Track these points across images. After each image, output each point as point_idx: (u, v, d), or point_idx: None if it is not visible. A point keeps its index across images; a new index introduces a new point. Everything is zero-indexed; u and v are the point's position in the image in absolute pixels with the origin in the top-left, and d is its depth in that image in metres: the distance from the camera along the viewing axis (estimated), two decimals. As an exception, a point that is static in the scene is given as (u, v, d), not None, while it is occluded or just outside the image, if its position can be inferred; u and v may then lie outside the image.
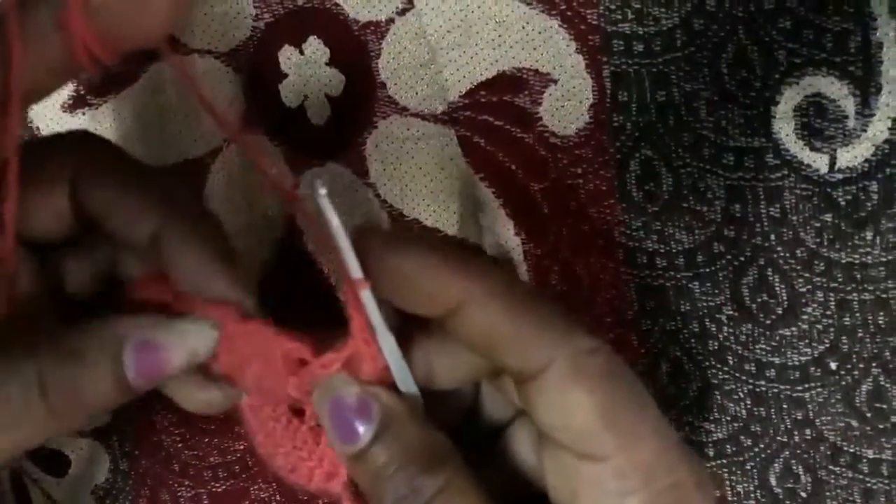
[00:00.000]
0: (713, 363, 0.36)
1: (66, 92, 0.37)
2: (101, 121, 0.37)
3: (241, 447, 0.38)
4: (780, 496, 0.36)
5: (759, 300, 0.35)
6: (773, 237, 0.35)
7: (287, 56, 0.36)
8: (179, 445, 0.38)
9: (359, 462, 0.27)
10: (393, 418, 0.27)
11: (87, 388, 0.26)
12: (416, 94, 0.36)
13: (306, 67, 0.36)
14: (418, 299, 0.27)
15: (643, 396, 0.26)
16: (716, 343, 0.36)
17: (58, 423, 0.27)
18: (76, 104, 0.37)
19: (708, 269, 0.35)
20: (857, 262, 0.35)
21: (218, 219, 0.30)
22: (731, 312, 0.35)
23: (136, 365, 0.27)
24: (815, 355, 0.35)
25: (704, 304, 0.36)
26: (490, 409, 0.30)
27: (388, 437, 0.26)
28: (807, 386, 0.35)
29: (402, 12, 0.36)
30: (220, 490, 0.38)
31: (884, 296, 0.35)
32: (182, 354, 0.27)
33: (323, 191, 0.26)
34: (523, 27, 0.35)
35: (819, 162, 0.35)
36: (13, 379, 0.26)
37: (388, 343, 0.27)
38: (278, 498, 0.38)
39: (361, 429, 0.26)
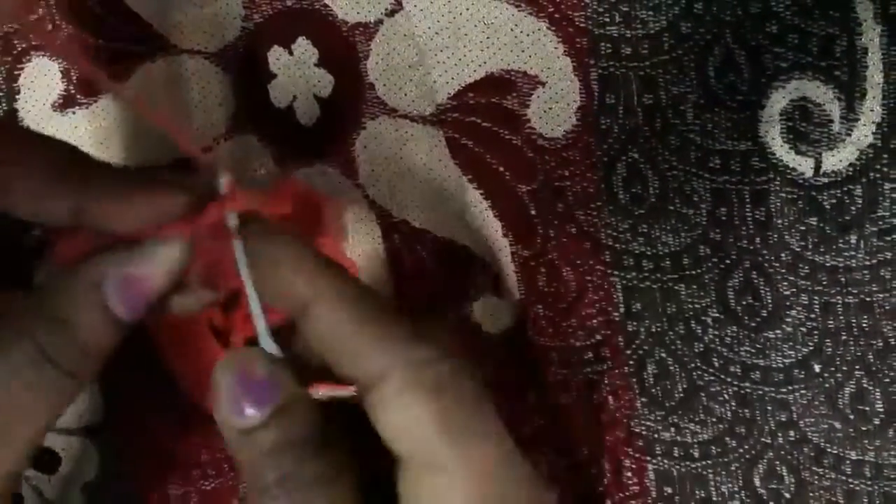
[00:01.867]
0: (699, 365, 0.36)
1: (57, 91, 0.37)
2: (92, 120, 0.37)
3: (230, 445, 0.38)
4: (764, 497, 0.36)
5: (745, 303, 0.35)
6: (758, 240, 0.35)
7: (276, 57, 0.36)
8: (169, 444, 0.38)
9: (245, 438, 0.27)
10: (295, 408, 0.27)
11: (88, 341, 0.27)
12: (405, 95, 0.36)
13: (295, 68, 0.36)
14: (272, 292, 0.27)
15: (480, 407, 0.27)
16: (701, 345, 0.36)
17: (76, 381, 0.28)
18: (66, 103, 0.37)
19: (694, 272, 0.36)
20: (841, 265, 0.35)
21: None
22: (716, 315, 0.36)
23: (122, 301, 0.28)
24: (800, 358, 0.35)
25: (690, 306, 0.36)
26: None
27: (284, 419, 0.26)
28: (791, 388, 0.36)
29: (391, 13, 0.36)
30: (208, 488, 0.38)
31: (867, 299, 0.35)
32: (160, 276, 0.28)
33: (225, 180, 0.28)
34: (511, 29, 0.35)
35: (804, 166, 0.35)
36: (18, 359, 0.27)
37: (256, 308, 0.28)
38: (266, 496, 0.38)
39: (255, 409, 0.26)
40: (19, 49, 0.37)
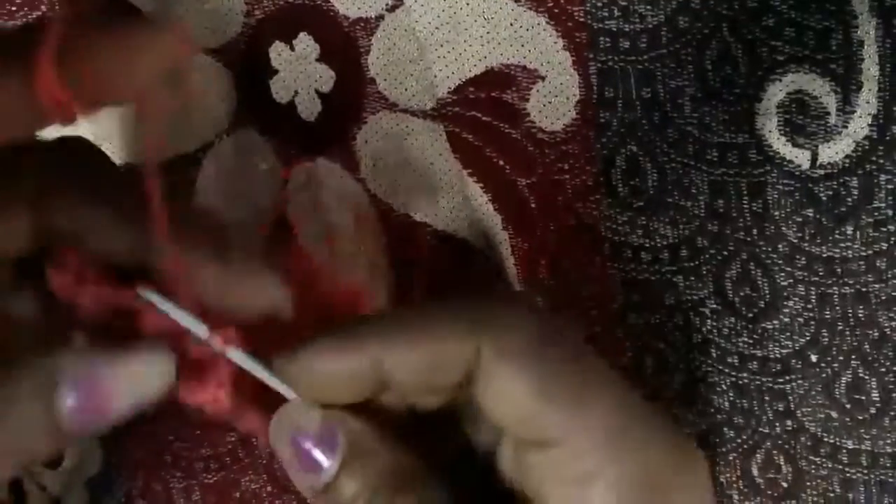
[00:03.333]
0: (697, 356, 0.36)
1: None
2: (93, 118, 0.37)
3: (232, 439, 0.38)
4: (762, 486, 0.36)
5: (742, 294, 0.36)
6: (755, 232, 0.36)
7: (278, 52, 0.37)
8: (171, 437, 0.38)
9: (326, 494, 0.25)
10: (360, 444, 0.25)
11: (21, 435, 0.22)
12: (406, 89, 0.36)
13: (296, 63, 0.37)
14: (340, 394, 0.25)
15: (588, 365, 0.24)
16: (699, 336, 0.36)
17: None
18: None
19: (692, 264, 0.36)
20: (837, 256, 0.35)
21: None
22: (714, 306, 0.36)
23: (75, 413, 0.22)
24: (797, 348, 0.36)
25: (688, 297, 0.36)
26: (477, 436, 0.28)
27: (356, 465, 0.24)
28: (788, 378, 0.36)
29: (392, 9, 0.36)
30: (211, 481, 0.38)
31: (863, 290, 0.35)
32: (130, 396, 0.23)
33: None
34: (511, 24, 0.36)
35: (801, 158, 0.35)
36: None
37: None
38: (269, 489, 0.38)
39: (326, 461, 0.24)
40: (21, 45, 0.37)
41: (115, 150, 0.37)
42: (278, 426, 0.25)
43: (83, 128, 0.36)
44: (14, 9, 0.37)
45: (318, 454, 0.24)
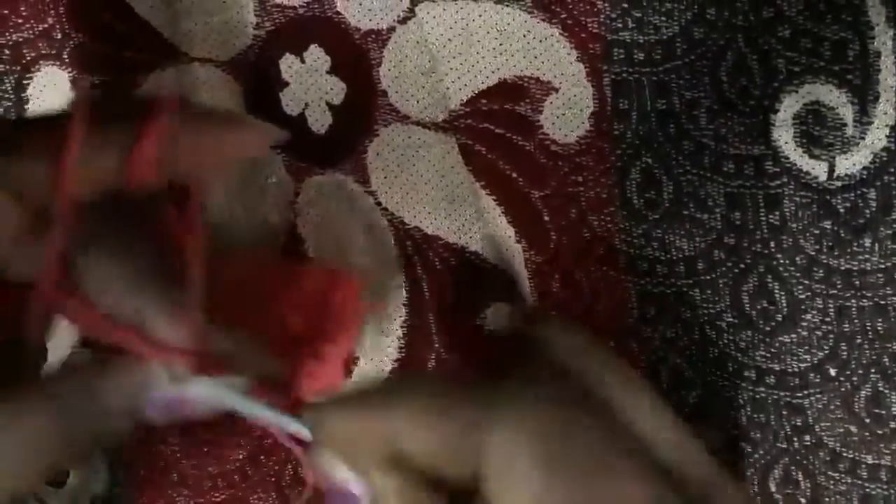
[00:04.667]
0: (713, 370, 0.36)
1: (66, 100, 0.36)
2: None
3: (240, 456, 0.38)
4: (780, 502, 0.36)
5: (759, 307, 0.35)
6: (772, 244, 0.35)
7: (288, 64, 0.36)
8: (178, 455, 0.38)
9: None
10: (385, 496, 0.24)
11: (106, 430, 0.24)
12: (418, 102, 0.36)
13: (307, 76, 0.36)
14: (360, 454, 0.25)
15: (607, 459, 0.22)
16: (716, 350, 0.36)
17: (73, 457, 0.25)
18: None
19: (708, 277, 0.36)
20: (855, 268, 0.35)
21: None
22: (731, 319, 0.36)
23: (160, 414, 0.25)
24: (815, 362, 0.35)
25: (705, 311, 0.36)
26: None
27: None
28: (806, 392, 0.35)
29: (404, 21, 0.36)
30: (218, 499, 0.38)
31: (882, 302, 0.35)
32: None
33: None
34: (524, 35, 0.35)
35: (818, 169, 0.35)
36: (33, 426, 0.23)
37: None
38: (278, 507, 0.38)
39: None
40: (29, 58, 0.37)
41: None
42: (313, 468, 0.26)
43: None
44: (20, 21, 0.36)
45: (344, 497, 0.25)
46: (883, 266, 0.35)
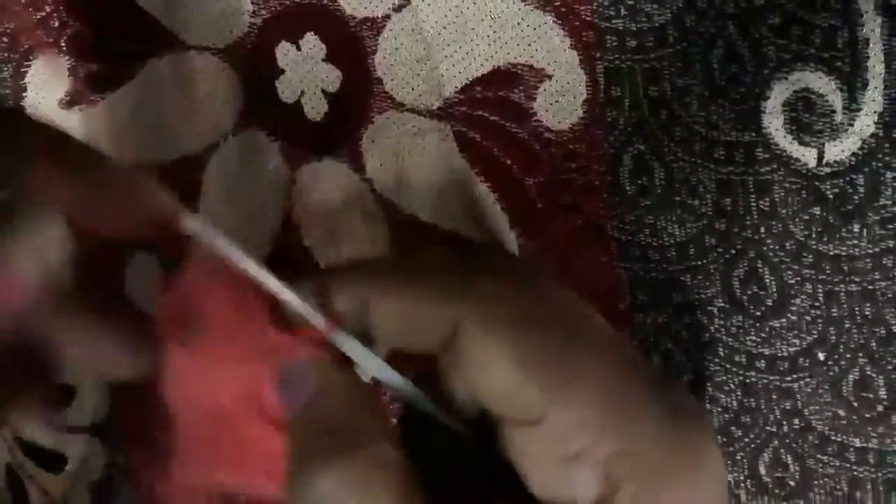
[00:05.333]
0: (704, 355, 0.36)
1: (64, 88, 0.37)
2: (98, 118, 0.37)
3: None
4: (769, 485, 0.36)
5: (750, 292, 0.36)
6: (762, 230, 0.36)
7: (284, 52, 0.36)
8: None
9: None
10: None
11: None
12: (413, 89, 0.36)
13: (303, 63, 0.36)
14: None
15: (579, 334, 0.22)
16: (707, 335, 0.36)
17: None
18: (73, 101, 0.37)
19: (699, 262, 0.36)
20: (844, 254, 0.35)
21: None
22: (722, 304, 0.36)
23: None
24: (804, 346, 0.36)
25: (696, 296, 0.36)
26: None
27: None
28: (796, 376, 0.36)
29: (398, 8, 0.36)
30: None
31: (870, 287, 0.35)
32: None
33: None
34: (518, 23, 0.36)
35: (807, 156, 0.35)
36: None
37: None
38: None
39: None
40: (26, 46, 0.37)
41: (120, 148, 0.37)
42: (281, 371, 0.24)
43: (90, 125, 0.37)
44: (19, 9, 0.37)
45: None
46: (871, 251, 0.35)
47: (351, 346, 0.23)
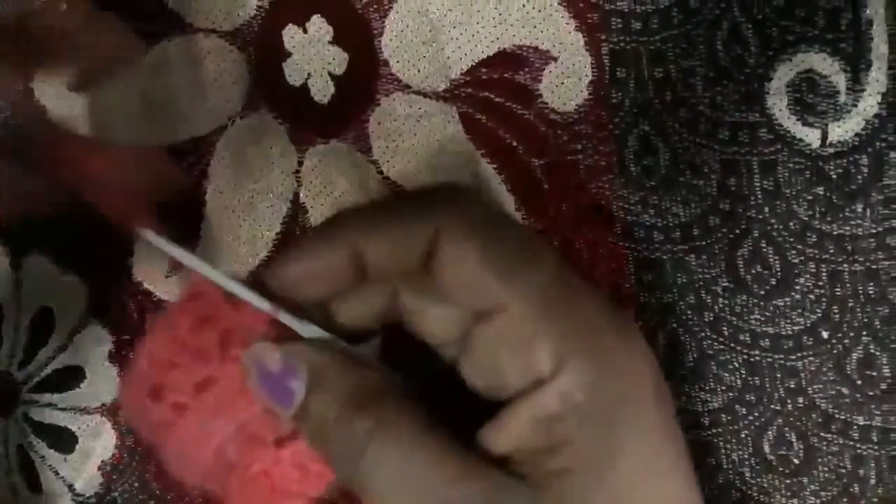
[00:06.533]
0: (709, 334, 0.37)
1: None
2: (107, 100, 0.37)
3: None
4: (774, 463, 0.37)
5: (754, 272, 0.36)
6: (766, 210, 0.36)
7: (291, 35, 0.37)
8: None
9: (302, 422, 0.27)
10: (321, 370, 0.27)
11: None
12: (419, 71, 0.36)
13: (310, 46, 0.37)
14: (321, 288, 0.28)
15: (531, 242, 0.27)
16: (711, 314, 0.37)
17: None
18: (81, 83, 0.37)
19: (704, 242, 0.36)
20: (847, 233, 0.36)
21: None
22: (726, 284, 0.36)
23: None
24: (808, 325, 0.36)
25: (700, 276, 0.36)
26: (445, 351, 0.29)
27: (321, 388, 0.27)
28: (799, 355, 0.36)
29: (405, -9, 0.36)
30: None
31: (874, 266, 0.36)
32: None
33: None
34: (523, 5, 0.36)
35: (811, 136, 0.36)
36: None
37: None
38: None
39: (293, 387, 0.27)
40: (35, 30, 0.37)
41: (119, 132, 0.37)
42: (247, 366, 0.28)
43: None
44: (27, -7, 0.37)
45: (286, 384, 0.27)
46: (874, 231, 0.36)
47: (290, 320, 0.28)
